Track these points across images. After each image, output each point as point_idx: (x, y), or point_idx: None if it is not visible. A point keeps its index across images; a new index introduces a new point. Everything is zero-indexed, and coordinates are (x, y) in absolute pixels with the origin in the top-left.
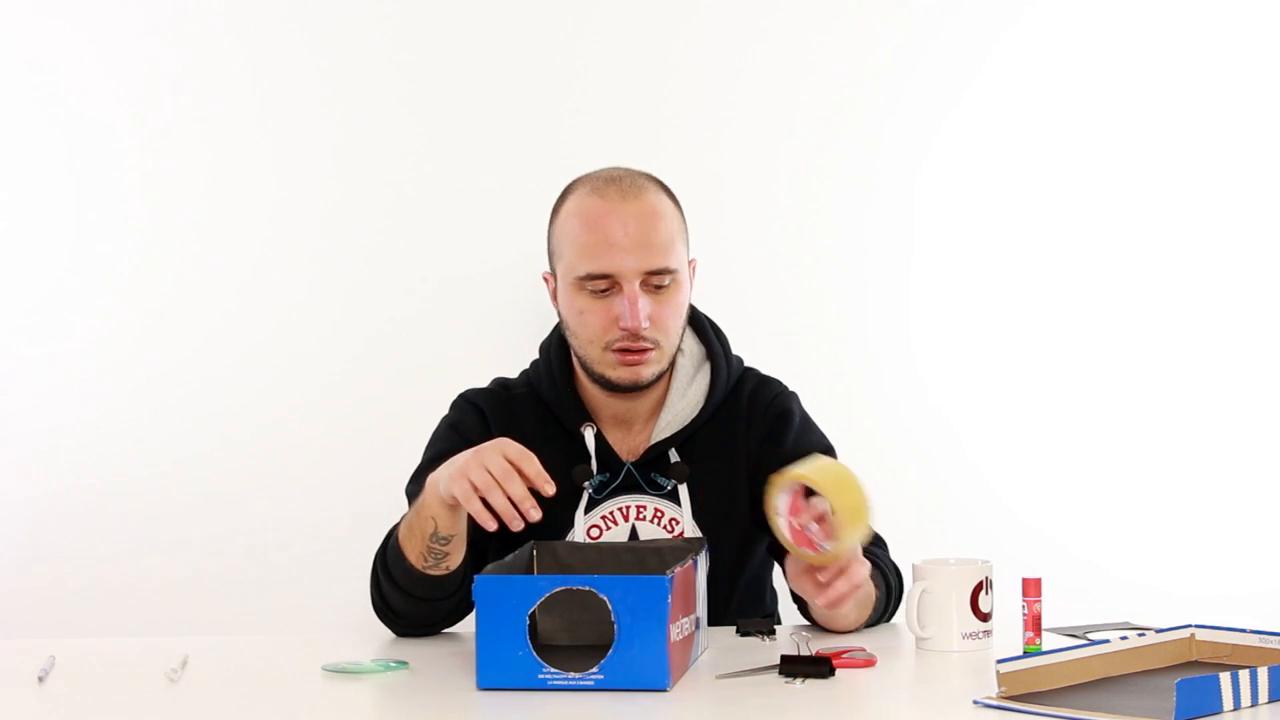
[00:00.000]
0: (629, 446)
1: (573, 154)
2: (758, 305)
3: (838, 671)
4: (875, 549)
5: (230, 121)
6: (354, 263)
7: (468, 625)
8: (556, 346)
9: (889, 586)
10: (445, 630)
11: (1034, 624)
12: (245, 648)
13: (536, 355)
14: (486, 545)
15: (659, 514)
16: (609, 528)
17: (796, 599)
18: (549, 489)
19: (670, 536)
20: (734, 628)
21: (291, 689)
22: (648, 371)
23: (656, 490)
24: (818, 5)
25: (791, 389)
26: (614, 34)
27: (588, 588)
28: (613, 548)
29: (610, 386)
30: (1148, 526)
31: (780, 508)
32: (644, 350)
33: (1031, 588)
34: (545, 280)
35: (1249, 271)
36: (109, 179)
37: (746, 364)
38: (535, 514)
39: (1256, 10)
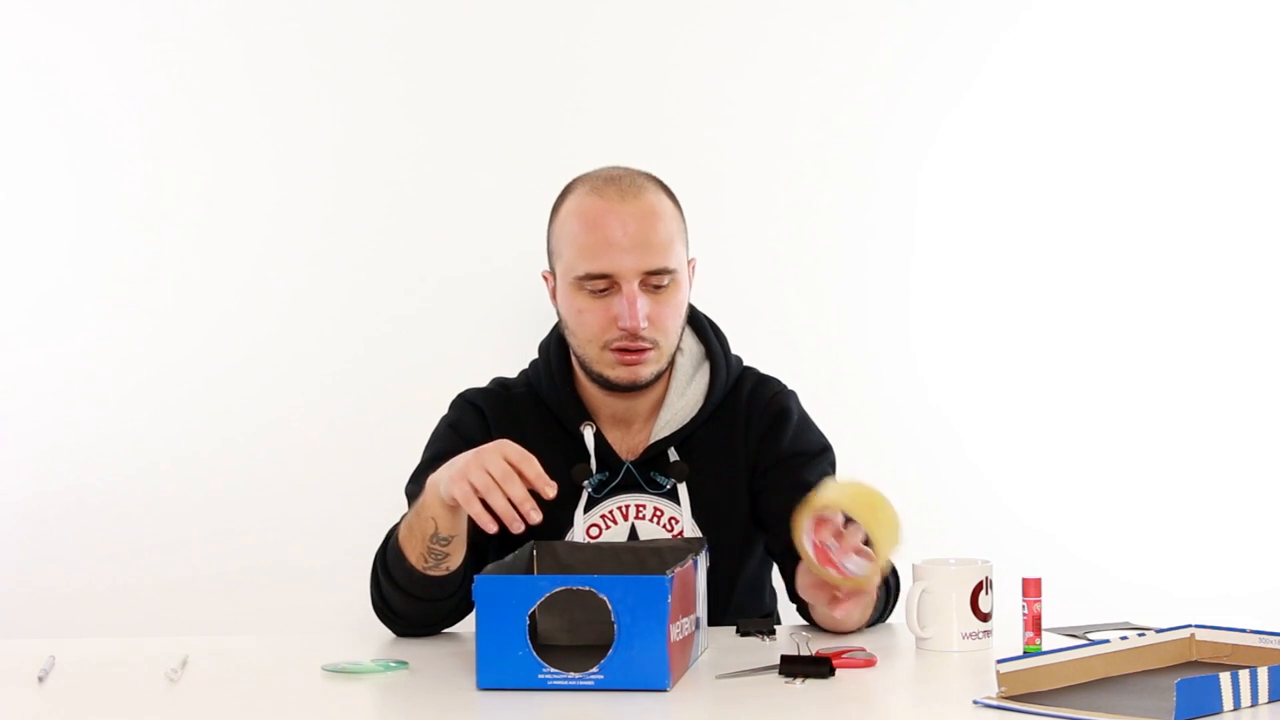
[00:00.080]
0: (628, 446)
1: (573, 154)
2: (758, 305)
3: (838, 671)
4: None
5: (230, 121)
6: (354, 262)
7: (468, 625)
8: (556, 346)
9: (888, 585)
10: (445, 630)
11: (1034, 624)
12: (245, 648)
13: (536, 355)
14: (487, 545)
15: (658, 513)
16: (608, 527)
17: (795, 599)
18: (549, 491)
19: (670, 536)
20: (734, 628)
21: (291, 689)
22: (646, 371)
23: (656, 489)
24: (818, 5)
25: (791, 388)
26: (614, 34)
27: (588, 588)
28: (613, 548)
29: (609, 386)
30: (1148, 526)
31: (805, 526)
32: (642, 350)
33: (1031, 588)
34: (544, 279)
35: (1249, 272)
36: (109, 179)
37: (746, 363)
38: (535, 516)
39: (1256, 10)
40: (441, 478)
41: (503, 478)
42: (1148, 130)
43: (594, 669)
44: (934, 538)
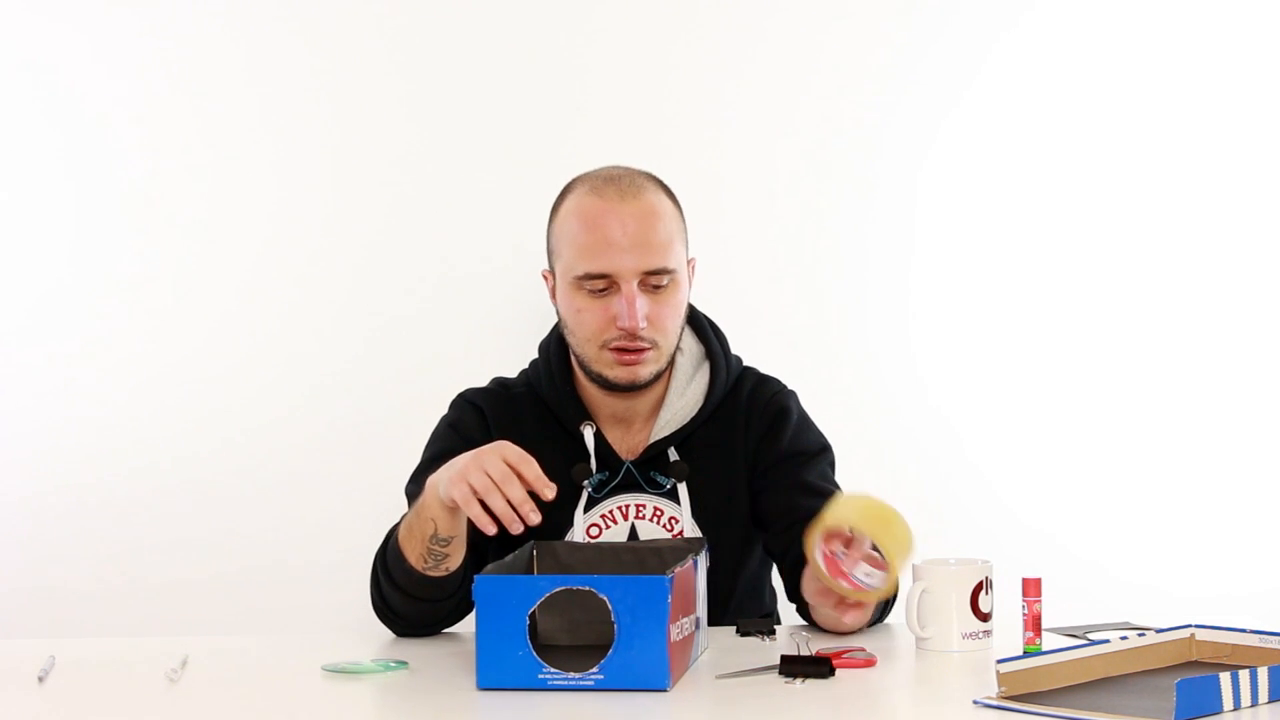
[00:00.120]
0: (628, 445)
1: (573, 154)
2: (758, 305)
3: (838, 671)
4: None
5: (230, 121)
6: (354, 262)
7: (468, 625)
8: (556, 346)
9: None
10: (445, 630)
11: (1034, 624)
12: (245, 648)
13: (536, 355)
14: (487, 546)
15: (658, 512)
16: (608, 526)
17: (795, 599)
18: (549, 493)
19: (670, 535)
20: (734, 628)
21: (291, 689)
22: (645, 371)
23: (656, 489)
24: (818, 6)
25: (790, 388)
26: (614, 34)
27: (588, 588)
28: (612, 548)
29: (608, 386)
30: (1147, 526)
31: (816, 539)
32: (641, 350)
33: (1031, 588)
34: (544, 278)
35: (1249, 272)
36: (109, 179)
37: (747, 363)
38: (534, 517)
39: (1256, 10)
40: (441, 479)
41: (502, 479)
42: (1148, 131)
43: (594, 669)
44: (934, 538)
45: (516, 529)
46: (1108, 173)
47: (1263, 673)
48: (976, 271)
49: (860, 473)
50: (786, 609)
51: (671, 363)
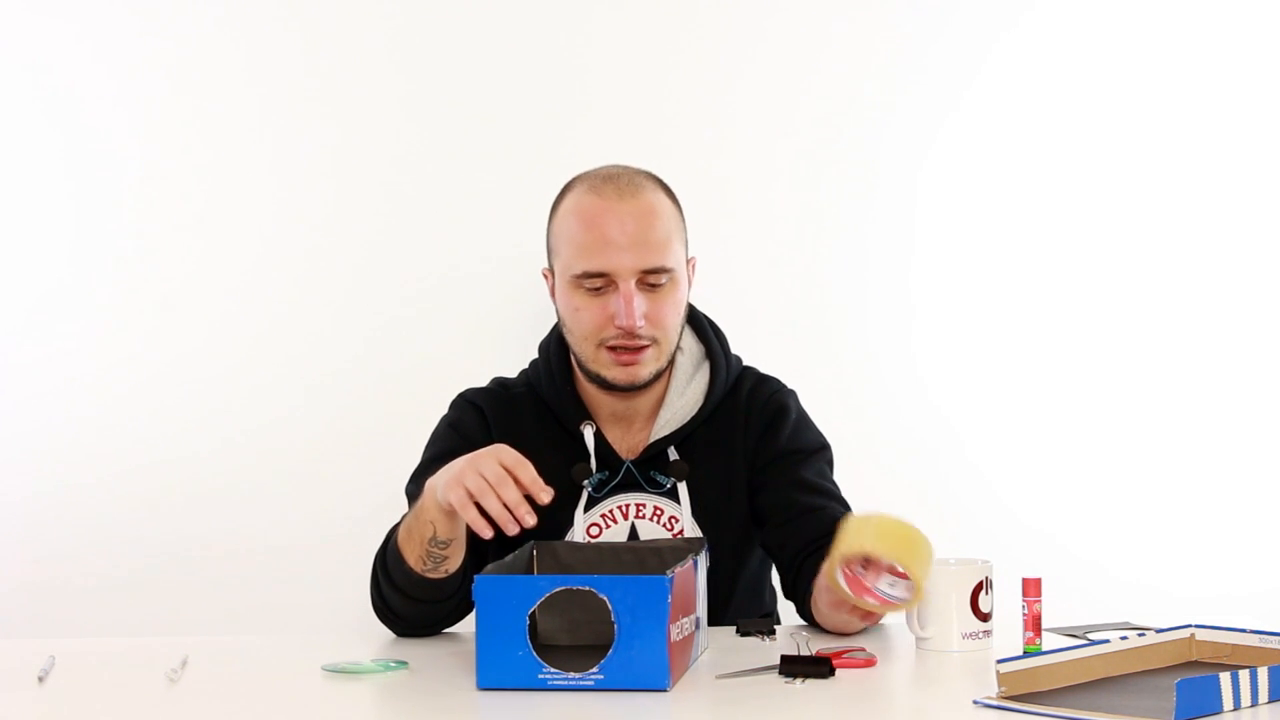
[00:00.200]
0: (628, 445)
1: (573, 153)
2: (760, 304)
3: (838, 671)
4: None
5: (229, 120)
6: (355, 261)
7: (468, 625)
8: (556, 345)
9: None
10: (445, 630)
11: (1034, 624)
12: (245, 648)
13: (536, 355)
14: (487, 545)
15: (658, 512)
16: (608, 526)
17: (791, 595)
18: (545, 496)
19: (670, 535)
20: (734, 628)
21: (291, 689)
22: (644, 371)
23: (656, 488)
24: (818, 5)
25: (790, 387)
26: (615, 34)
27: (588, 588)
28: (612, 548)
29: (607, 386)
30: (1148, 526)
31: (835, 565)
32: (640, 349)
33: (1031, 588)
34: (544, 277)
35: (1249, 272)
36: (107, 179)
37: (748, 363)
38: (530, 519)
39: (1257, 11)
40: (438, 483)
41: (497, 482)
42: (1149, 131)
43: (594, 669)
44: (934, 537)
45: (512, 530)
46: (1108, 173)
47: (1263, 673)
48: (976, 272)
49: (861, 472)
50: (786, 609)
51: (672, 362)
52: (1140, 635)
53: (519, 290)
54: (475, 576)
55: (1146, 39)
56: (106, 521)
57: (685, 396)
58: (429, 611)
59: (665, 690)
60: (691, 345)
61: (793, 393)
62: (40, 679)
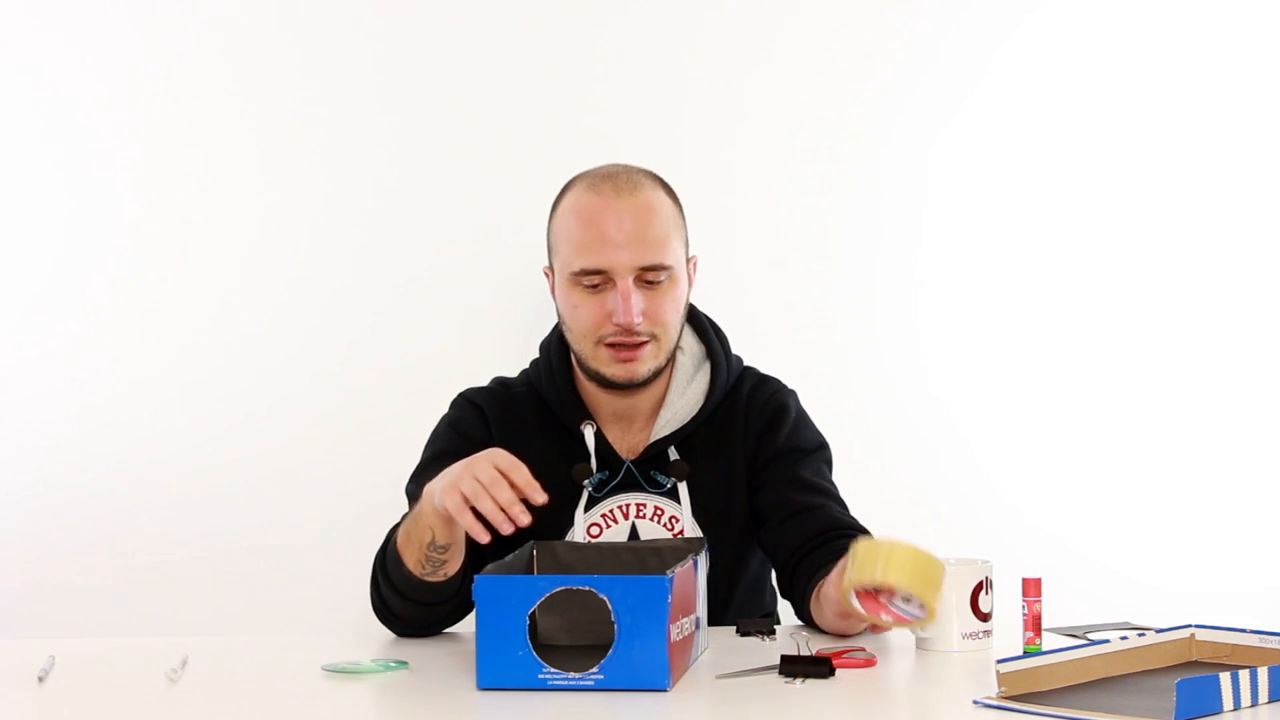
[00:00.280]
0: (629, 444)
1: (577, 152)
2: (763, 305)
3: (838, 671)
4: None
5: (223, 118)
6: (355, 260)
7: (468, 625)
8: (557, 344)
9: None
10: (445, 630)
11: (1034, 624)
12: (245, 648)
13: (537, 354)
14: (486, 545)
15: (659, 512)
16: (609, 526)
17: (789, 597)
18: (539, 498)
19: (670, 535)
20: (734, 628)
21: (291, 689)
22: (643, 368)
23: (656, 488)
24: (823, 7)
25: (790, 387)
26: (621, 34)
27: (588, 588)
28: (612, 548)
29: (606, 384)
30: (1149, 524)
31: (849, 591)
32: (639, 345)
33: (1031, 588)
34: (545, 275)
35: (1251, 273)
36: (100, 179)
37: (751, 362)
38: (524, 518)
39: (1259, 13)
40: (435, 489)
41: (491, 483)
42: (1155, 132)
43: (594, 669)
44: (936, 536)
45: (506, 530)
46: (1112, 176)
47: (1263, 673)
48: (981, 272)
49: (863, 471)
50: (787, 609)
51: (673, 362)
52: (1140, 635)
53: (520, 289)
54: (475, 576)
55: (1152, 39)
56: (106, 521)
57: (686, 396)
58: (429, 613)
59: (665, 690)
60: (692, 345)
61: (793, 393)
62: (40, 679)
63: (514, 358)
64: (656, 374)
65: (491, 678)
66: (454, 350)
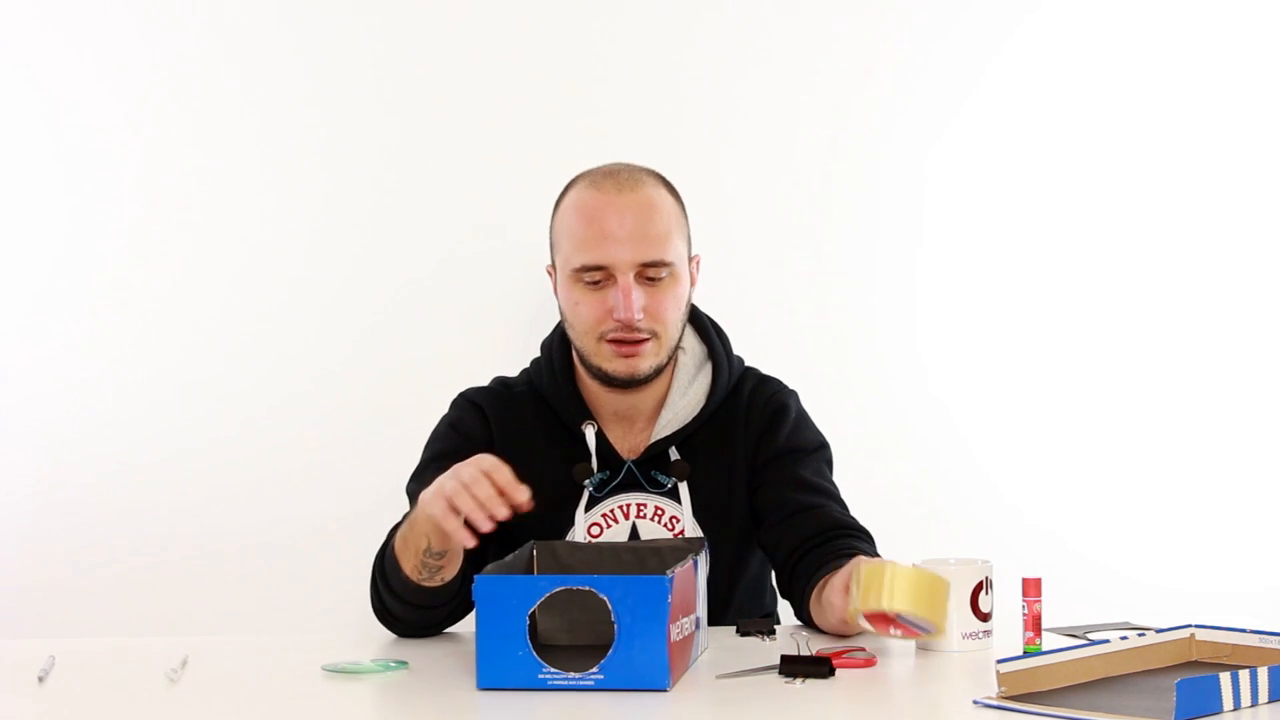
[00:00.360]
0: (629, 444)
1: (579, 151)
2: (764, 304)
3: (838, 671)
4: (863, 544)
5: (224, 118)
6: (356, 260)
7: (468, 625)
8: (558, 344)
9: None
10: (445, 630)
11: (1034, 624)
12: (245, 648)
13: (538, 353)
14: (487, 545)
15: (659, 512)
16: (609, 526)
17: (788, 596)
18: (519, 497)
19: (671, 535)
20: (734, 628)
21: (291, 689)
22: (644, 365)
23: (657, 488)
24: (826, 7)
25: (791, 387)
26: (621, 34)
27: (588, 588)
28: (613, 548)
29: (608, 380)
30: (1149, 524)
31: (857, 612)
32: (640, 341)
33: (1031, 588)
34: (548, 273)
35: (1252, 273)
36: (100, 180)
37: (753, 362)
38: (502, 512)
39: (1260, 14)
40: (424, 496)
41: (471, 481)
42: (1155, 132)
43: (594, 669)
44: (937, 536)
45: (485, 527)
46: (1114, 174)
47: (1263, 673)
48: (981, 271)
49: (864, 471)
50: (787, 609)
51: (674, 362)
52: (1140, 635)
53: (521, 289)
54: (475, 576)
55: (1152, 39)
56: (106, 521)
57: (687, 397)
58: (428, 616)
59: (665, 690)
60: (694, 346)
61: (794, 393)
62: (40, 679)
63: (515, 357)
64: (658, 371)
65: (491, 678)
66: (455, 350)
